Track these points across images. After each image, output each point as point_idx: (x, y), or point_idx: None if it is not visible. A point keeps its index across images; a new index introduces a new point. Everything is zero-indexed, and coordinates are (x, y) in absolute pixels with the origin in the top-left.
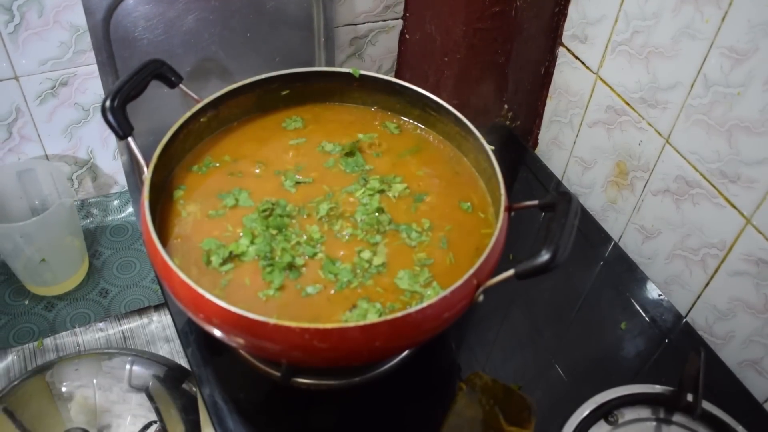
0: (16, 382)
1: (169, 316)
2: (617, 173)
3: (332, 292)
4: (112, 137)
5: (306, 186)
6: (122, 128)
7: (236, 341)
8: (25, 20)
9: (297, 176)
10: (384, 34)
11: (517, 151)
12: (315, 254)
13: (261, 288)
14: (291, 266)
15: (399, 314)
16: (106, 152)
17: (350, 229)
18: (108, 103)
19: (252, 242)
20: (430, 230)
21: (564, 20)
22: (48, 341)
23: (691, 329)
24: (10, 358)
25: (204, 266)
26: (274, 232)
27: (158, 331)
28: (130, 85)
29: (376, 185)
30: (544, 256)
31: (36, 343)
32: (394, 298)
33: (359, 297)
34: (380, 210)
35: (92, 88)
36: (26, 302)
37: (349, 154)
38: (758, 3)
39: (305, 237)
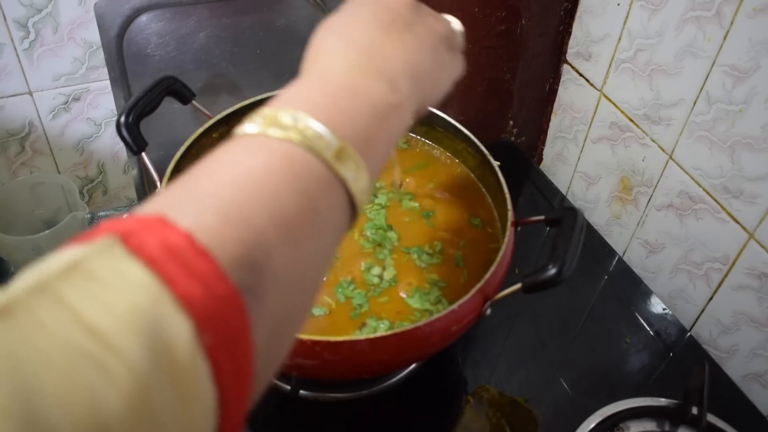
0: None
1: None
2: (621, 189)
3: (347, 314)
4: (123, 152)
5: None
6: (136, 144)
7: None
8: (40, 36)
9: None
10: None
11: (523, 166)
12: None
13: None
14: None
15: (408, 327)
16: (117, 166)
17: (362, 241)
18: (123, 119)
19: None
20: (441, 252)
21: (568, 38)
22: None
23: (696, 343)
24: None
25: None
26: None
27: None
28: (144, 102)
29: (384, 201)
30: (551, 270)
31: None
32: (404, 317)
33: (368, 316)
34: (388, 227)
35: (104, 103)
36: None
37: None
38: (759, 22)
39: None
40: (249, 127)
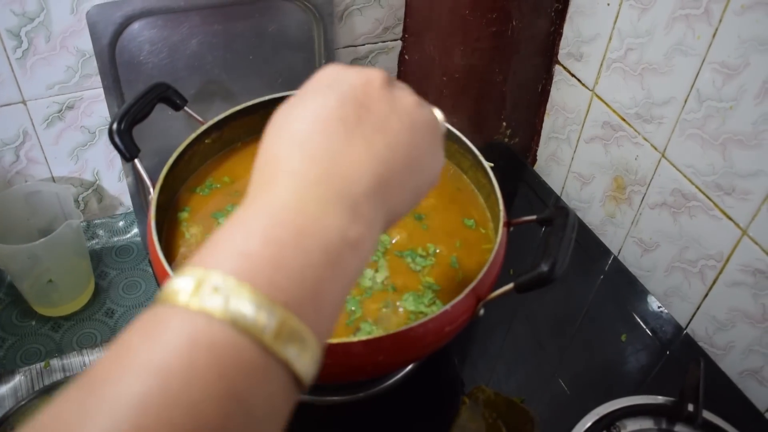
0: (23, 403)
1: None
2: (615, 188)
3: (341, 320)
4: (118, 159)
5: None
6: (129, 150)
7: None
8: (33, 45)
9: None
10: (384, 55)
11: (517, 167)
12: None
13: None
14: None
15: (401, 329)
16: (112, 174)
17: None
18: (115, 126)
19: None
20: (435, 254)
21: (559, 39)
22: (55, 362)
23: (692, 340)
24: (18, 378)
25: None
26: None
27: None
28: (136, 108)
29: None
30: (543, 269)
31: (43, 364)
32: (399, 323)
33: (362, 321)
34: None
35: (98, 111)
36: (33, 323)
37: None
38: (747, 19)
39: None
40: (174, 293)
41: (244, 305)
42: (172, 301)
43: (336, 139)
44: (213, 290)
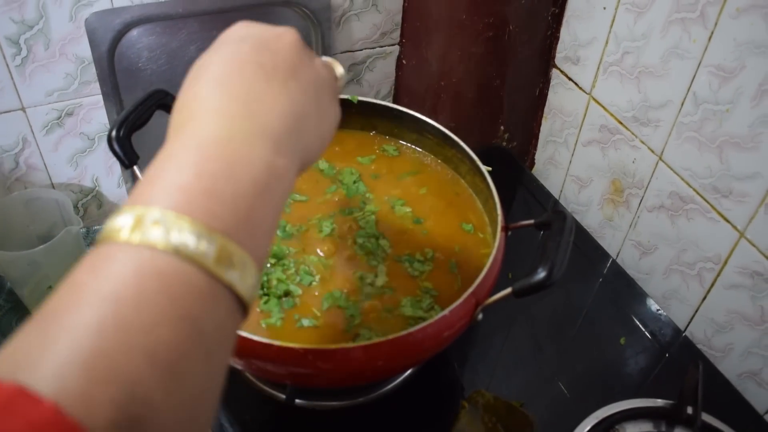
0: None
1: None
2: (613, 191)
3: (339, 326)
4: (117, 165)
5: (302, 205)
6: (128, 157)
7: (242, 363)
8: (32, 53)
9: (295, 194)
10: (381, 60)
11: (515, 171)
12: (311, 282)
13: (261, 317)
14: (287, 293)
15: (400, 334)
16: (111, 180)
17: (355, 248)
18: (114, 133)
19: None
20: (432, 260)
21: (556, 43)
22: None
23: (690, 343)
24: None
25: None
26: (272, 261)
27: None
28: (135, 115)
29: (373, 208)
30: (541, 274)
31: None
32: (398, 328)
33: (362, 327)
34: (380, 236)
35: (97, 117)
36: None
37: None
38: (743, 22)
39: (303, 266)
40: (116, 230)
41: (185, 235)
42: (114, 239)
43: (255, 81)
44: (153, 224)
